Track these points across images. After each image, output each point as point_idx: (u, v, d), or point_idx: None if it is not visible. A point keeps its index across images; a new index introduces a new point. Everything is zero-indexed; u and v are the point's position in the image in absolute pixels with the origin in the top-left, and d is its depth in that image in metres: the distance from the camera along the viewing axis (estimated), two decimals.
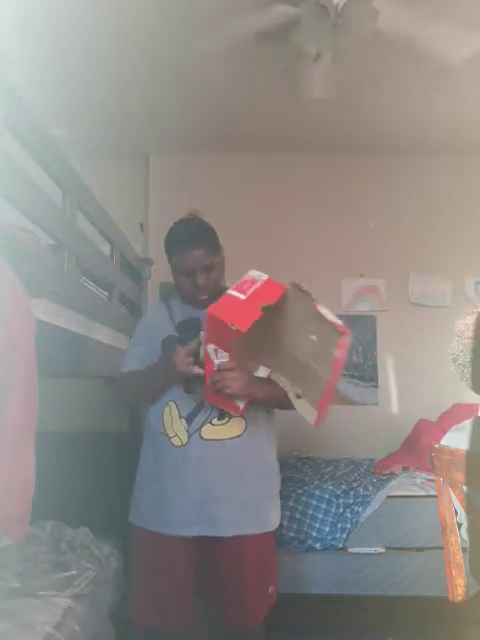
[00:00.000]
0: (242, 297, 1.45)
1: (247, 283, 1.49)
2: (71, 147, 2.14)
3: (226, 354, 1.51)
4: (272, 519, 1.75)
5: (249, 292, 1.47)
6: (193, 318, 1.73)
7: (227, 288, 1.82)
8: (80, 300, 1.85)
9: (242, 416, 1.66)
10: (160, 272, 2.74)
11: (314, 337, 1.43)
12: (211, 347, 1.51)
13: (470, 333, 1.47)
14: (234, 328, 1.38)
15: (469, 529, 1.49)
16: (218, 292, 1.76)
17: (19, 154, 1.39)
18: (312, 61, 2.26)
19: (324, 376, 1.43)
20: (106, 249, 2.37)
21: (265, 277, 1.51)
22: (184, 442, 1.65)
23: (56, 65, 2.77)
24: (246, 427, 1.67)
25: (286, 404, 1.66)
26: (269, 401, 1.70)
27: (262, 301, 1.44)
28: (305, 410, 1.51)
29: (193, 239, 1.69)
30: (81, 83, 2.96)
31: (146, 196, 3.82)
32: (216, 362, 1.52)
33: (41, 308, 1.45)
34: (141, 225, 3.75)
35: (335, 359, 1.38)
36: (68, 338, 1.71)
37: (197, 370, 1.57)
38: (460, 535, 1.50)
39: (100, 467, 2.55)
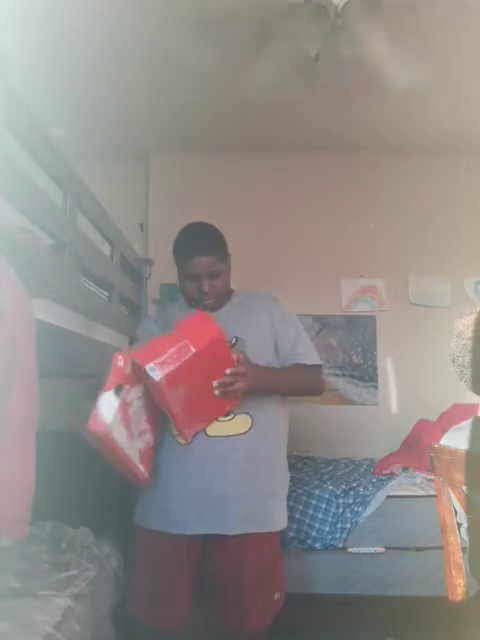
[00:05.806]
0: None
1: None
2: (71, 147, 2.13)
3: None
4: (275, 519, 1.73)
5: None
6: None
7: (233, 291, 1.83)
8: (80, 300, 1.85)
9: (248, 413, 1.66)
10: (160, 272, 2.74)
11: None
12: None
13: (469, 333, 1.46)
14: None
15: (469, 529, 1.49)
16: (224, 296, 1.78)
17: (19, 154, 1.39)
18: (312, 61, 2.26)
19: None
20: (106, 249, 2.36)
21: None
22: (188, 440, 1.65)
23: (56, 65, 2.77)
24: (252, 424, 1.67)
25: (301, 389, 1.73)
26: (278, 389, 1.73)
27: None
28: None
29: (201, 246, 1.70)
30: (81, 83, 2.96)
31: (146, 196, 3.82)
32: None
33: (41, 308, 1.45)
34: (141, 225, 3.76)
35: None
36: (68, 338, 1.71)
37: None
38: (460, 535, 1.49)
39: (100, 467, 2.54)
